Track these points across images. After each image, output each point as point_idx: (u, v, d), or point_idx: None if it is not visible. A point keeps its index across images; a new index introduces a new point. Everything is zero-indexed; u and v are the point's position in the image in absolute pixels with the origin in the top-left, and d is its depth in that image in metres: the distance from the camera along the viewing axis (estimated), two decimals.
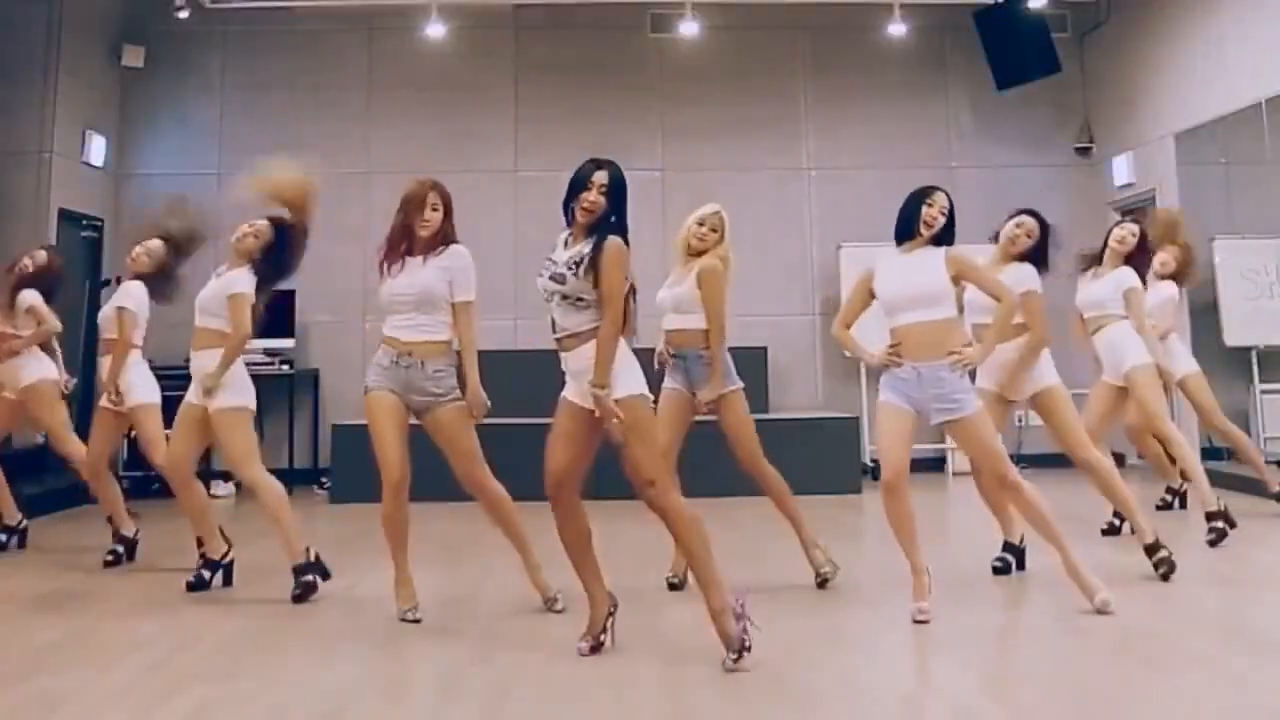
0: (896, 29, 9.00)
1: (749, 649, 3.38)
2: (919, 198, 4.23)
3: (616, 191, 3.64)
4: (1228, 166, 8.04)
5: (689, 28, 8.91)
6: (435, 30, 8.80)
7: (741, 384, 4.73)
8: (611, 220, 3.64)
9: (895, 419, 4.12)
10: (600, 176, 3.63)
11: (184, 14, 8.30)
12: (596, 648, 3.65)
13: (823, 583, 4.71)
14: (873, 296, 4.28)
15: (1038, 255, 4.76)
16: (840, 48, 9.67)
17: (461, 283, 4.25)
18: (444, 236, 4.25)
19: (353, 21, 9.39)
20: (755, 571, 4.91)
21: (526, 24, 9.57)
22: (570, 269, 3.57)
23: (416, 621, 4.12)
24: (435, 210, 4.18)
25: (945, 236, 4.20)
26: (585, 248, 3.59)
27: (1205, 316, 7.95)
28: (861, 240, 7.93)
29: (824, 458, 7.19)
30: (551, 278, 3.61)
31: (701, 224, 4.70)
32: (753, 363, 8.29)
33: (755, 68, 9.65)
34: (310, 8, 9.10)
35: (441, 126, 9.39)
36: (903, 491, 4.10)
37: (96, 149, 8.91)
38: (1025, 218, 4.80)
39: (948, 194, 4.27)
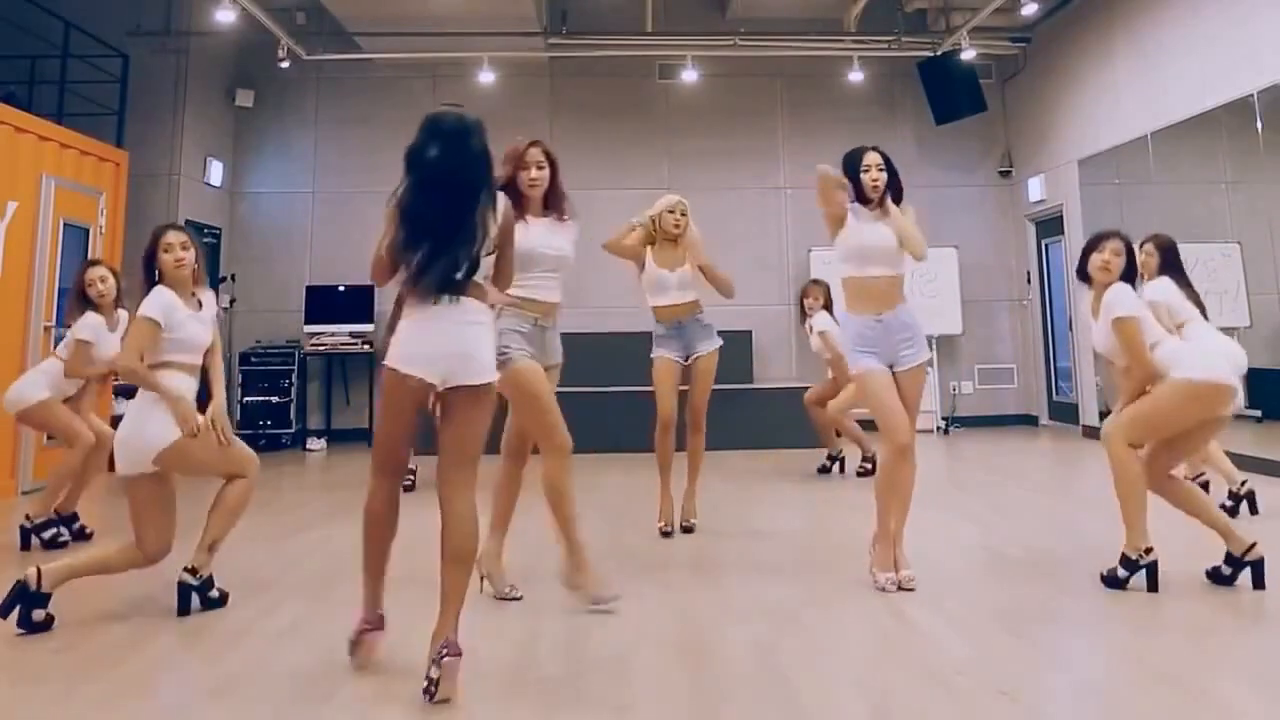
0: (855, 76, 9.10)
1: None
2: (854, 166, 3.65)
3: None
4: (1120, 186, 8.10)
5: (689, 75, 8.99)
6: (486, 77, 8.85)
7: (720, 343, 4.59)
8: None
9: (886, 384, 3.47)
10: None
11: (286, 64, 8.39)
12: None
13: (688, 529, 4.51)
14: (841, 205, 3.67)
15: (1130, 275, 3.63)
16: (810, 91, 9.74)
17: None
18: (563, 199, 3.39)
19: (420, 70, 9.48)
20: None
21: (560, 72, 9.66)
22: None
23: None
24: (541, 169, 3.30)
25: (892, 193, 3.64)
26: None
27: None
28: (827, 246, 7.98)
29: (797, 418, 7.32)
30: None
31: (672, 211, 4.42)
32: (740, 343, 8.50)
33: (742, 106, 9.73)
34: (386, 59, 9.18)
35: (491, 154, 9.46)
36: (913, 454, 3.44)
37: (215, 172, 9.09)
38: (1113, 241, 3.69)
39: (881, 152, 3.68)
